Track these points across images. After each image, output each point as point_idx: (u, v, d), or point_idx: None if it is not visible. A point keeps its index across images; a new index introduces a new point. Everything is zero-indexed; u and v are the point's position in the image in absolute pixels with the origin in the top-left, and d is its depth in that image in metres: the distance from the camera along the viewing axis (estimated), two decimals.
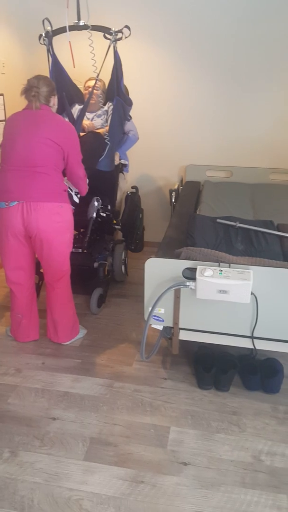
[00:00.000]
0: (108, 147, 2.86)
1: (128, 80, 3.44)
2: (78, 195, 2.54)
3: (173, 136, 3.78)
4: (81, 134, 3.00)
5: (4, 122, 3.34)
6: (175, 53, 3.53)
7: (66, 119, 2.95)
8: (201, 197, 3.24)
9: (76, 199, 2.51)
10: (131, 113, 3.19)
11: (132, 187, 3.41)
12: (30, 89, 2.19)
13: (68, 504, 1.62)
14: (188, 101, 3.64)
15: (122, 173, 3.30)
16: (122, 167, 3.27)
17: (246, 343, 2.14)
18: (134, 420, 2.02)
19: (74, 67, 2.97)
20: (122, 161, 3.19)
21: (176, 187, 3.42)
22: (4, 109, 3.41)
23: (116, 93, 2.88)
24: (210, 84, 3.56)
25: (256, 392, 2.20)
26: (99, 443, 1.89)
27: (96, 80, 2.92)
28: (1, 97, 3.36)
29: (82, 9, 2.88)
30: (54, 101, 2.30)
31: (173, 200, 3.29)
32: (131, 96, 3.28)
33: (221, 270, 1.93)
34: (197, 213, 2.88)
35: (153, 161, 3.89)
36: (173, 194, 3.31)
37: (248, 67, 3.46)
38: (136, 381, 2.27)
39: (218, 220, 2.43)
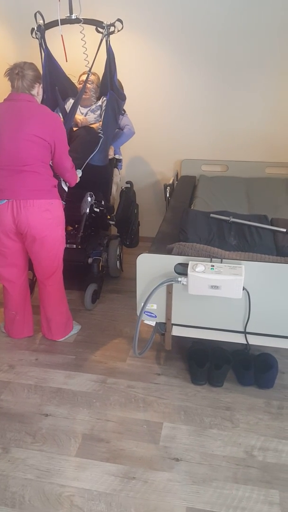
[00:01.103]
0: (101, 141, 2.84)
1: (121, 74, 3.41)
2: (67, 184, 2.52)
3: (168, 131, 3.75)
4: (74, 129, 2.97)
5: None
6: (168, 47, 3.50)
7: (60, 115, 2.92)
8: (196, 191, 3.22)
9: (65, 187, 2.48)
10: (126, 107, 3.17)
11: (127, 182, 3.39)
12: (14, 68, 2.12)
13: (59, 500, 1.62)
14: (182, 95, 3.61)
15: (117, 168, 3.28)
16: (116, 162, 3.24)
17: (239, 339, 2.13)
18: (127, 416, 2.02)
19: (66, 61, 2.93)
20: (117, 156, 3.17)
21: (171, 181, 3.40)
22: None
23: (109, 87, 2.86)
24: (204, 78, 3.53)
25: (250, 387, 2.19)
26: (91, 439, 1.89)
27: (89, 73, 2.89)
28: None
29: (74, 1, 2.85)
30: (38, 89, 2.21)
31: (168, 195, 3.27)
32: (125, 90, 3.25)
33: (213, 266, 1.92)
34: (192, 208, 2.86)
35: (148, 155, 3.87)
36: (168, 189, 3.29)
37: (241, 60, 3.42)
38: (129, 377, 2.27)
39: (212, 215, 2.41)
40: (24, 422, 1.98)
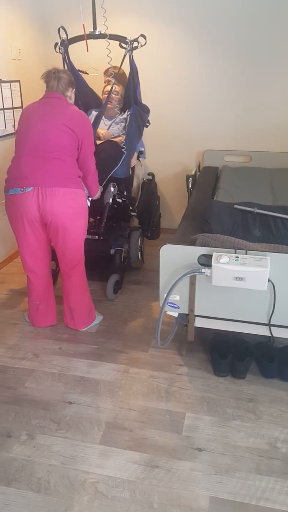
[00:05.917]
0: (124, 156, 2.83)
1: (144, 66, 3.39)
2: (90, 198, 2.52)
3: (190, 121, 3.72)
4: (98, 142, 2.97)
5: (21, 109, 3.36)
6: (191, 36, 3.45)
7: None
8: (218, 182, 3.19)
9: (88, 203, 2.45)
10: (147, 98, 3.15)
11: (148, 174, 3.38)
12: (51, 70, 2.30)
13: (83, 487, 1.65)
14: (206, 85, 3.57)
15: (139, 159, 3.27)
16: (138, 153, 3.23)
17: (263, 331, 2.11)
18: (149, 405, 2.03)
19: (87, 51, 2.92)
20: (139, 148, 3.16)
21: (193, 172, 3.37)
22: (21, 96, 3.41)
23: (133, 101, 2.86)
24: (227, 67, 3.48)
25: (273, 379, 2.18)
26: (115, 428, 1.91)
27: (113, 84, 2.91)
28: (17, 83, 3.35)
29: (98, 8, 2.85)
30: (71, 93, 2.37)
31: (190, 186, 3.25)
32: (148, 82, 3.23)
33: (238, 257, 1.90)
34: (215, 199, 2.84)
35: (170, 147, 3.84)
36: (190, 180, 3.26)
37: (266, 48, 3.36)
38: (151, 367, 2.28)
39: (236, 206, 2.38)
40: (49, 409, 2.01)
